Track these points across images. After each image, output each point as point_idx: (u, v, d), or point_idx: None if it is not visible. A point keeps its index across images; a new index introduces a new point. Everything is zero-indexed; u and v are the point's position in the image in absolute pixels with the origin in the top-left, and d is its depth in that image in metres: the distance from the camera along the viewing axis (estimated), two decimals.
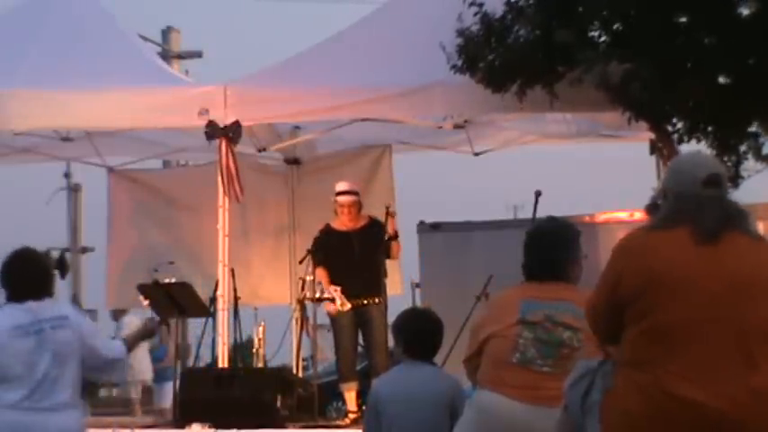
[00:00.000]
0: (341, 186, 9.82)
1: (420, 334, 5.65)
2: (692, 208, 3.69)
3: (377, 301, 9.47)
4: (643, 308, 3.61)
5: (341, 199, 9.71)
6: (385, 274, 9.61)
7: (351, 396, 9.64)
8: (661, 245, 3.65)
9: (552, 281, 4.87)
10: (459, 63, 8.41)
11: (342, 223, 9.75)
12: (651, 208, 4.82)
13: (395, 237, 9.60)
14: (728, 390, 3.47)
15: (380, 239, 9.48)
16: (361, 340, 9.71)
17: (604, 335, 3.85)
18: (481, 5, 8.36)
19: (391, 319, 9.53)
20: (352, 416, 9.47)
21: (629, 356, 3.62)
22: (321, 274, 9.67)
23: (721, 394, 3.47)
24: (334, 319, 9.65)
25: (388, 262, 9.64)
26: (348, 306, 9.51)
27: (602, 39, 8.11)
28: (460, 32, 8.39)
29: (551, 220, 5.37)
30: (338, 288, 9.55)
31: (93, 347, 5.69)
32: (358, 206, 9.73)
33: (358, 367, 10.08)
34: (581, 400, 3.85)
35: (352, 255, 9.51)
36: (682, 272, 3.59)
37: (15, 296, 5.65)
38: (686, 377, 3.50)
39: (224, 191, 9.30)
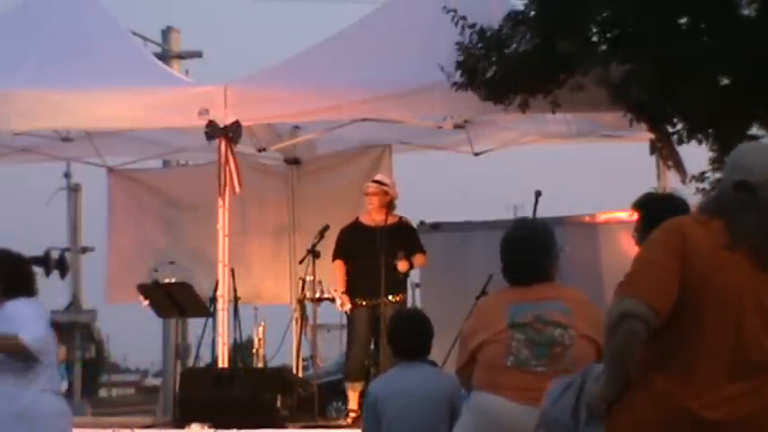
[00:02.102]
0: (375, 177, 9.90)
1: (410, 338, 5.68)
2: (752, 226, 3.59)
3: (394, 300, 9.45)
4: (689, 316, 3.54)
5: (369, 187, 9.74)
6: (407, 274, 9.64)
7: (354, 395, 9.64)
8: (727, 266, 3.55)
9: (536, 282, 4.87)
10: (459, 79, 8.42)
11: (369, 217, 9.75)
12: (639, 205, 4.83)
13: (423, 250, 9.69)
14: (738, 410, 3.48)
15: (404, 241, 9.49)
16: None
17: (657, 294, 3.52)
18: (473, 25, 8.38)
19: None
20: (353, 414, 9.47)
21: (655, 359, 3.56)
22: (338, 266, 9.69)
23: (730, 412, 3.48)
24: (350, 316, 9.63)
25: None
26: (348, 307, 9.51)
27: (603, 42, 8.11)
28: (459, 47, 8.40)
29: (523, 221, 5.39)
30: (338, 288, 9.55)
31: None
32: (383, 198, 9.66)
33: None
34: (572, 409, 3.82)
35: (372, 252, 9.49)
36: (738, 300, 3.53)
37: (25, 292, 5.91)
38: (701, 394, 3.49)
39: (221, 189, 9.28)
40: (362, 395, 9.38)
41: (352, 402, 9.66)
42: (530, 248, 4.92)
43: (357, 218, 9.84)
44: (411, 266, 9.62)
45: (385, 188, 9.73)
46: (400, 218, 9.76)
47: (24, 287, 5.90)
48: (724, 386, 3.49)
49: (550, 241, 4.98)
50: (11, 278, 5.88)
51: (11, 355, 5.64)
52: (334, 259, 9.73)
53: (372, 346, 9.69)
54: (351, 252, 9.67)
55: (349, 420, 9.46)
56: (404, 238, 9.57)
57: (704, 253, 3.56)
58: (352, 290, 9.57)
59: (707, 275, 3.54)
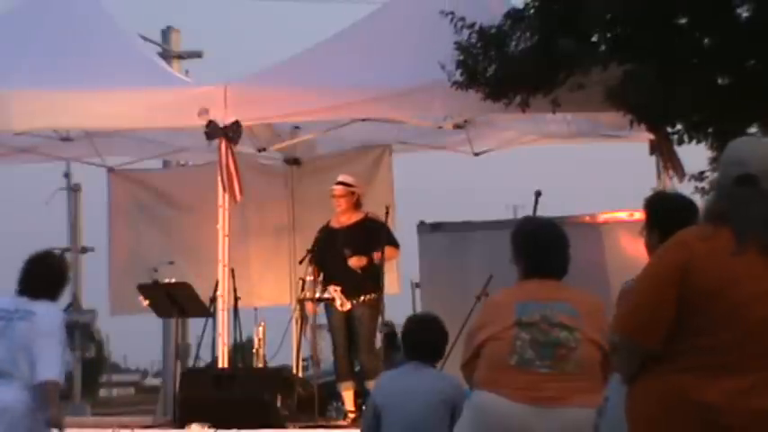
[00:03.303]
0: (338, 177, 9.88)
1: (429, 344, 5.68)
2: (759, 219, 3.60)
3: (363, 299, 9.45)
4: (703, 322, 3.55)
5: (334, 190, 9.74)
6: (379, 272, 9.62)
7: (348, 396, 9.65)
8: (740, 272, 3.56)
9: (552, 278, 4.87)
10: (460, 78, 8.42)
11: (336, 219, 9.77)
12: (647, 204, 4.84)
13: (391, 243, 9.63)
14: (748, 402, 3.50)
15: (370, 238, 9.47)
16: None
17: (655, 327, 3.58)
18: (472, 25, 8.38)
19: (389, 318, 9.60)
20: (351, 416, 9.48)
21: (671, 359, 3.57)
22: (314, 272, 9.71)
23: (736, 401, 3.49)
24: (330, 320, 9.67)
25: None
26: (348, 306, 9.51)
27: (603, 41, 8.11)
28: (458, 46, 8.41)
29: (537, 218, 5.38)
30: (338, 288, 9.55)
31: (37, 353, 5.74)
32: (350, 199, 9.72)
33: (356, 368, 10.09)
34: None
35: (337, 253, 9.50)
36: (755, 301, 3.55)
37: (19, 289, 5.94)
38: (709, 384, 3.50)
39: (224, 190, 9.30)
40: (356, 393, 9.46)
41: (348, 403, 9.67)
42: (554, 248, 4.91)
43: (328, 221, 9.85)
44: (370, 261, 9.50)
45: (351, 189, 9.74)
46: (366, 214, 9.75)
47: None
48: (733, 380, 3.49)
49: (568, 240, 4.99)
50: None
51: None
52: (309, 264, 9.74)
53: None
54: (321, 255, 9.69)
55: (348, 421, 9.46)
56: (368, 234, 9.53)
57: (714, 264, 3.56)
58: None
59: (721, 283, 3.54)
